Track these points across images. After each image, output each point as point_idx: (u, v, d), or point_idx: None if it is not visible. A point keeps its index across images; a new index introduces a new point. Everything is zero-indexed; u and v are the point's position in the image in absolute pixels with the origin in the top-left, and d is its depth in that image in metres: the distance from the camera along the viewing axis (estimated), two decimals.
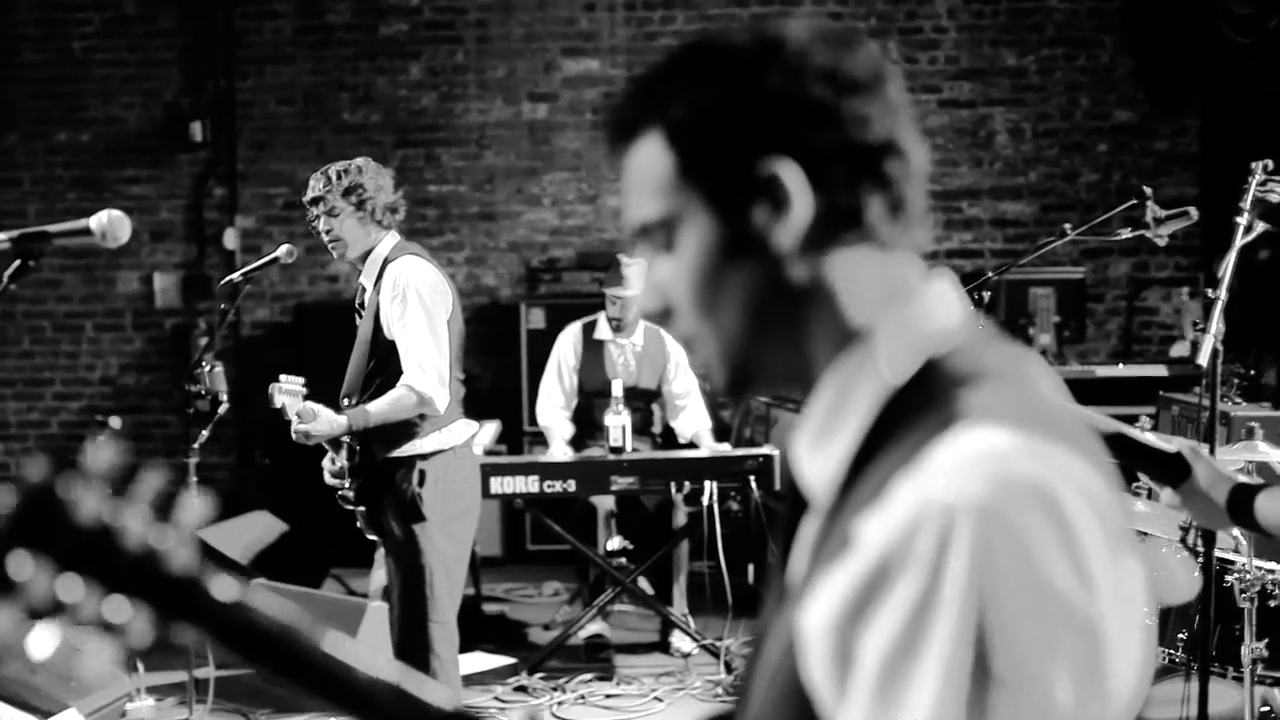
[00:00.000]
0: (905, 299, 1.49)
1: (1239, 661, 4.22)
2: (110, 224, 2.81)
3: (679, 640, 7.37)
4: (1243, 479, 2.87)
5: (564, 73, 9.66)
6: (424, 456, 5.17)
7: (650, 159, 1.51)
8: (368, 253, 5.31)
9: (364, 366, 5.27)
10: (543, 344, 8.28)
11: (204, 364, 6.08)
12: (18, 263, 2.79)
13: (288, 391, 5.11)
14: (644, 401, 7.71)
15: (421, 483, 5.14)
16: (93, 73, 9.78)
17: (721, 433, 8.37)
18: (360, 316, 5.40)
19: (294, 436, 5.08)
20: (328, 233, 5.27)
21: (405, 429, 5.15)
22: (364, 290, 5.37)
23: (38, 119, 9.77)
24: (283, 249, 5.75)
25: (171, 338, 9.74)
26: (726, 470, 7.11)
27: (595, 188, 9.69)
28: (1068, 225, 4.94)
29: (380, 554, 6.26)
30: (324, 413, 5.07)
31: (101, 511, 1.37)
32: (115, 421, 8.48)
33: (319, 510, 7.01)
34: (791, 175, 1.44)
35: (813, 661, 1.36)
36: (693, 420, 7.71)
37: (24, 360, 9.75)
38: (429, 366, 5.10)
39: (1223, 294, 4.11)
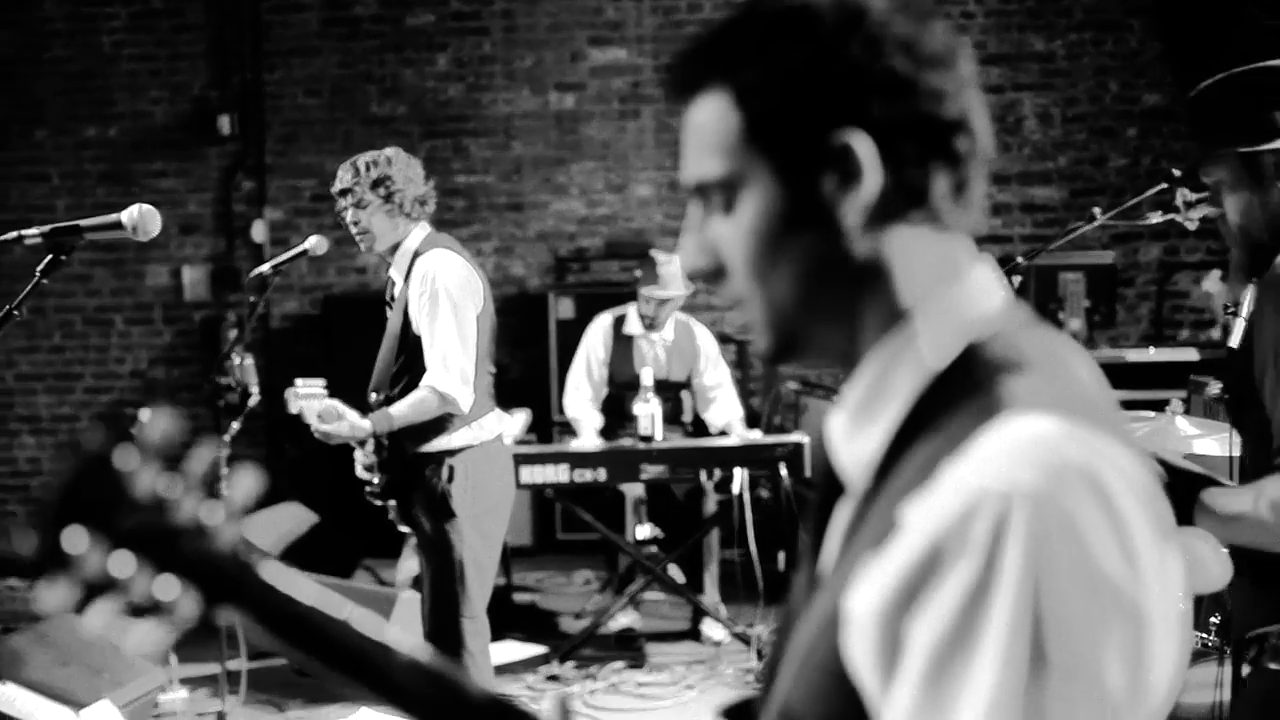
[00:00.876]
0: (951, 282, 1.48)
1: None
2: (141, 218, 2.82)
3: (710, 628, 7.37)
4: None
5: (591, 62, 9.65)
6: (454, 452, 5.16)
7: (715, 117, 1.49)
8: (397, 245, 5.29)
9: (392, 361, 5.26)
10: (571, 334, 8.27)
11: (233, 356, 6.09)
12: (50, 257, 2.80)
13: (305, 395, 5.12)
14: (673, 392, 7.70)
15: (451, 478, 5.13)
16: (120, 67, 9.80)
17: (752, 420, 8.36)
18: (390, 309, 5.39)
19: (315, 436, 5.09)
20: (355, 224, 5.25)
21: (435, 425, 5.13)
22: (393, 283, 5.36)
23: (66, 114, 9.81)
24: (311, 240, 5.74)
25: (201, 331, 9.77)
26: (757, 458, 7.10)
27: (623, 177, 9.67)
28: (1097, 210, 4.91)
29: (410, 544, 6.26)
30: (349, 415, 5.06)
31: (156, 487, 1.36)
32: (146, 415, 8.51)
33: (349, 501, 7.02)
34: (864, 148, 1.42)
35: (857, 647, 1.35)
36: (724, 411, 7.70)
37: (55, 355, 9.79)
38: (452, 366, 5.08)
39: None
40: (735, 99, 1.46)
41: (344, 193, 5.25)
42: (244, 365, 6.14)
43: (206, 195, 9.76)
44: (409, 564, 6.79)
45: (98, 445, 1.34)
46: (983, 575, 1.26)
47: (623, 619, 7.37)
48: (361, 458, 5.30)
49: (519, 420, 8.00)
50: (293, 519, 8.07)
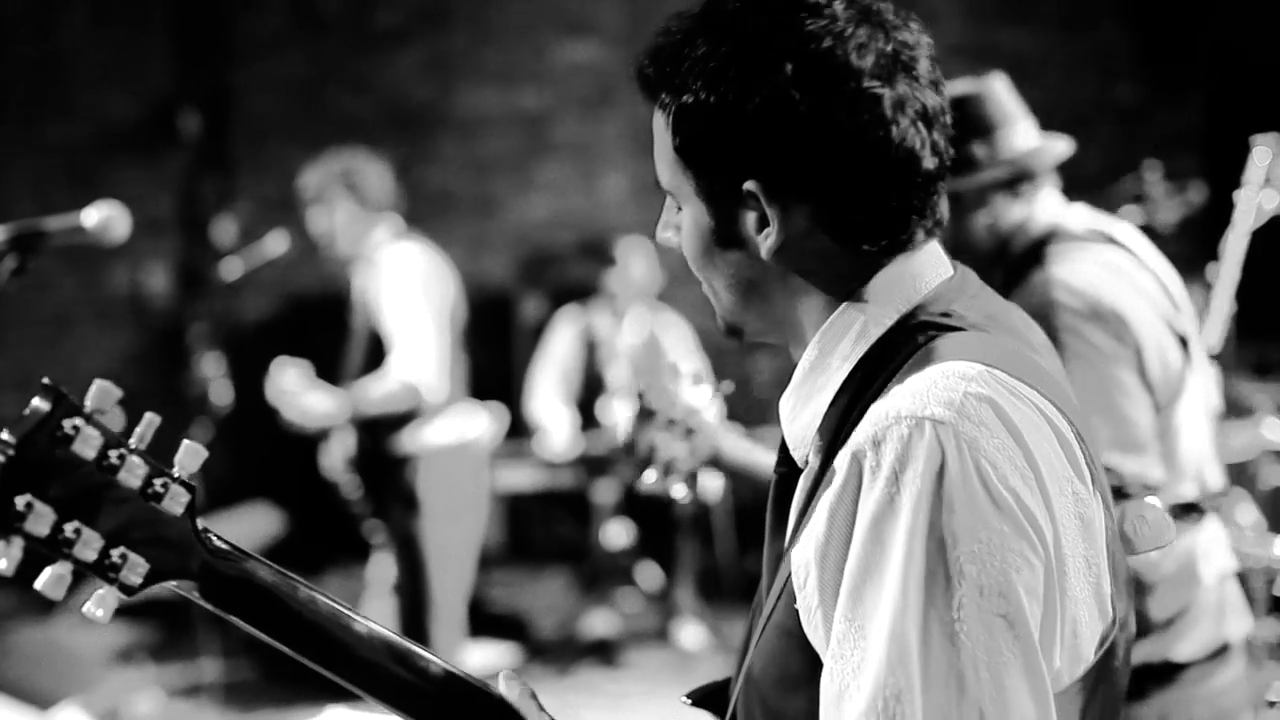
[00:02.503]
0: (891, 269, 1.52)
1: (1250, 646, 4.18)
2: (107, 221, 2.75)
3: (683, 631, 7.33)
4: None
5: (560, 58, 9.59)
6: (426, 452, 5.11)
7: (660, 129, 1.56)
8: (364, 244, 5.25)
9: (364, 359, 5.21)
10: (541, 333, 8.23)
11: (199, 357, 6.03)
12: (15, 261, 2.73)
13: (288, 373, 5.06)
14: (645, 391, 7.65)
15: (424, 480, 5.08)
16: (83, 65, 9.70)
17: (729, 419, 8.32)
18: (356, 309, 5.34)
19: (287, 417, 5.02)
20: (323, 224, 5.22)
21: (405, 421, 5.08)
22: (359, 285, 5.32)
23: (27, 112, 9.70)
24: (278, 240, 5.70)
25: (166, 331, 9.68)
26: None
27: (593, 175, 9.62)
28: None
29: (378, 541, 6.20)
30: (323, 391, 5.00)
31: (104, 457, 1.38)
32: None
33: (317, 502, 6.96)
34: (768, 203, 1.48)
35: (805, 594, 1.38)
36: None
37: (13, 356, 9.68)
38: (422, 357, 5.03)
39: (1232, 273, 4.07)
40: (671, 122, 1.52)
41: (310, 192, 5.22)
42: (210, 366, 6.07)
43: (171, 195, 9.66)
44: (378, 565, 6.71)
45: (45, 412, 1.35)
46: (888, 495, 1.31)
47: (598, 625, 7.32)
48: (333, 456, 5.25)
49: (489, 419, 7.93)
50: (261, 521, 8.01)
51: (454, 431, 5.19)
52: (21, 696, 5.27)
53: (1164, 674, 2.76)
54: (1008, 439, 1.33)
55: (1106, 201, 5.80)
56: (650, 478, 2.75)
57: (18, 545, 1.32)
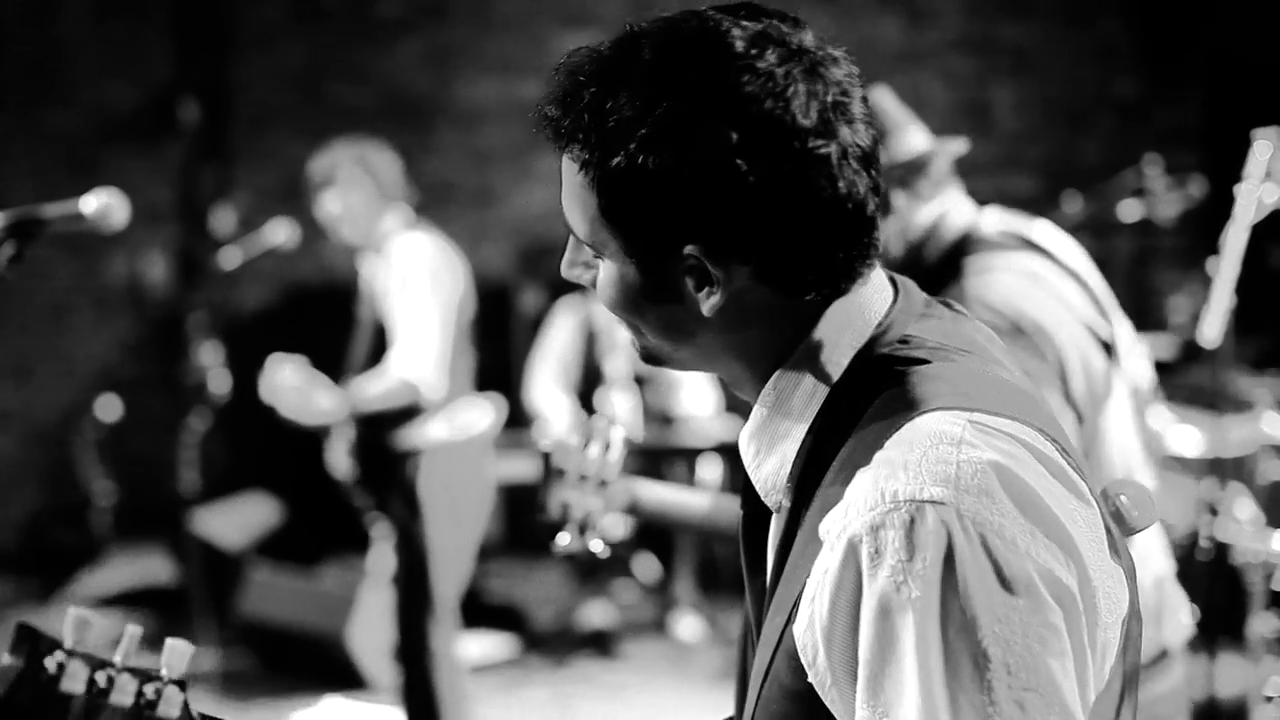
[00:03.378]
0: (837, 306, 1.48)
1: (1247, 641, 4.18)
2: (106, 208, 2.74)
3: (681, 623, 7.33)
4: None
5: (560, 49, 9.54)
6: (429, 448, 5.07)
7: (579, 185, 1.49)
8: (373, 232, 5.20)
9: (369, 351, 5.17)
10: (539, 324, 8.22)
11: (198, 346, 6.02)
12: (14, 249, 2.72)
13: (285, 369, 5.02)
14: (642, 381, 7.64)
15: (425, 476, 5.04)
16: (83, 54, 9.68)
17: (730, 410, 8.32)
18: (363, 299, 5.31)
19: (283, 413, 4.99)
20: (332, 211, 5.17)
21: (408, 416, 5.04)
22: (367, 275, 5.28)
23: (26, 100, 9.68)
24: (280, 230, 5.67)
25: (164, 320, 9.66)
26: (728, 449, 7.06)
27: None
28: (1068, 195, 4.89)
29: (378, 533, 6.19)
30: (321, 388, 4.96)
31: (93, 684, 1.36)
32: (110, 405, 8.42)
33: (316, 492, 6.96)
34: (712, 267, 1.43)
35: (815, 670, 1.36)
36: (693, 400, 7.64)
37: (10, 345, 9.66)
38: (423, 353, 4.97)
39: (1232, 267, 4.05)
40: (594, 184, 1.46)
41: (320, 178, 5.17)
42: (208, 355, 6.06)
43: (170, 183, 9.64)
44: (378, 555, 6.71)
45: (20, 665, 1.34)
46: (894, 585, 1.28)
47: (595, 616, 7.31)
48: (335, 450, 5.23)
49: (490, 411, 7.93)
50: (259, 512, 8.00)
51: (457, 427, 5.15)
52: None
53: None
54: (1009, 504, 1.30)
55: (1107, 195, 5.80)
56: (564, 540, 2.79)
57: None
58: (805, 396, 1.48)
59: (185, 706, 1.42)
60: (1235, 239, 4.04)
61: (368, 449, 5.15)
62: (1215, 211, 4.80)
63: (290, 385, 4.93)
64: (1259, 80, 8.18)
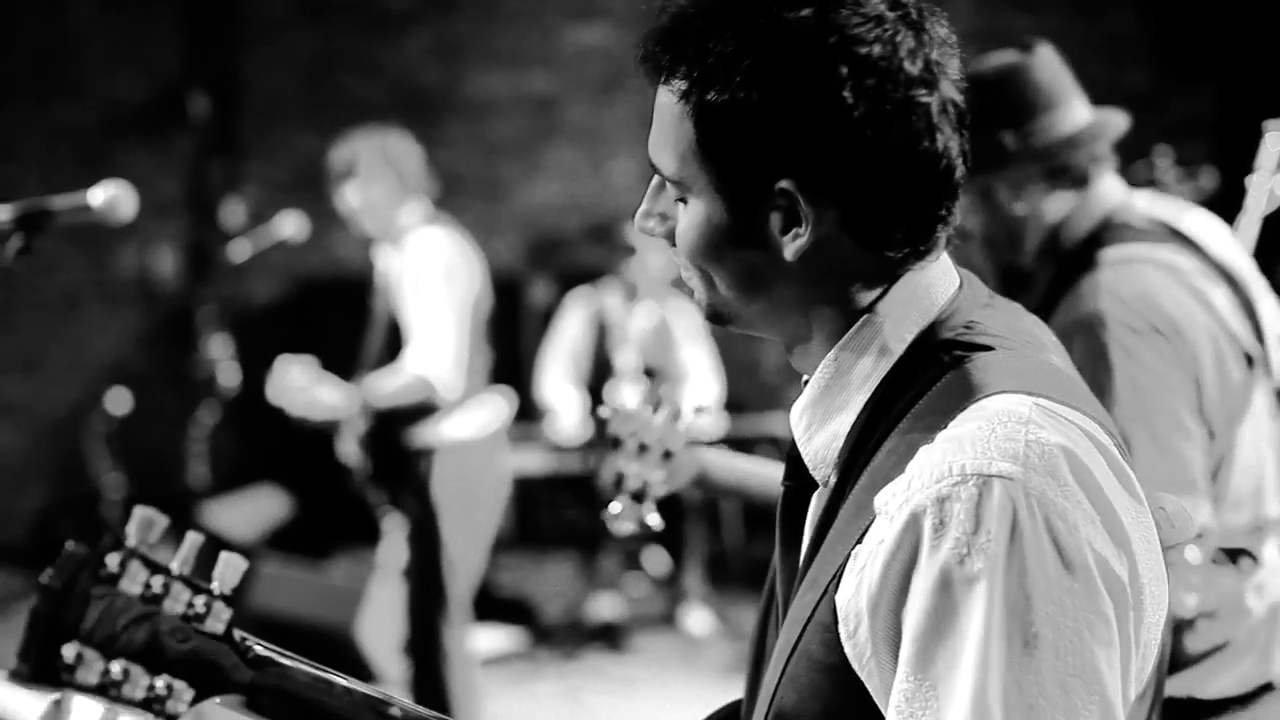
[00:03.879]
0: (906, 280, 1.48)
1: None
2: (113, 200, 2.73)
3: (691, 617, 7.33)
4: None
5: (569, 42, 9.56)
6: (443, 446, 5.03)
7: (675, 117, 1.48)
8: (393, 225, 5.15)
9: (383, 346, 5.13)
10: (549, 317, 8.21)
11: (207, 339, 6.01)
12: (21, 241, 2.71)
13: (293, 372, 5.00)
14: (652, 375, 7.63)
15: (439, 474, 5.00)
16: (91, 46, 9.67)
17: (736, 405, 8.31)
18: (378, 293, 5.27)
19: (294, 411, 4.97)
20: (353, 204, 5.12)
21: (421, 416, 5.00)
22: (385, 264, 5.23)
23: (36, 94, 9.68)
24: (289, 223, 5.65)
25: (174, 314, 9.66)
26: (737, 442, 7.04)
27: (602, 159, 9.60)
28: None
29: (388, 526, 6.18)
30: (329, 386, 4.94)
31: (148, 587, 1.37)
32: (120, 398, 8.42)
33: (326, 485, 6.96)
34: (807, 204, 1.42)
35: (855, 641, 1.35)
36: (700, 392, 7.63)
37: (22, 337, 9.67)
38: (439, 351, 4.92)
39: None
40: (693, 114, 1.45)
41: (343, 168, 5.12)
42: (218, 348, 6.05)
43: (180, 176, 9.64)
44: (388, 547, 6.70)
45: (85, 553, 1.34)
46: (958, 557, 1.28)
47: (605, 610, 7.31)
48: (348, 446, 5.21)
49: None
50: (269, 505, 8.00)
51: (472, 425, 5.11)
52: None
53: (1186, 713, 2.52)
54: (1075, 486, 1.31)
55: None
56: (616, 509, 2.58)
57: (70, 699, 1.34)
58: (865, 371, 1.47)
59: (230, 623, 1.43)
60: (1247, 231, 4.02)
61: (380, 445, 5.12)
62: (1226, 203, 4.77)
63: (298, 386, 4.91)
64: (1270, 71, 8.16)
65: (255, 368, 6.72)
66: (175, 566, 1.40)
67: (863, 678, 1.36)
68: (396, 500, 5.22)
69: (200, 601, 1.40)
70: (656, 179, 1.56)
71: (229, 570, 1.43)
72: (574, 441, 7.24)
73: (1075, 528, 1.29)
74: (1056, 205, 2.71)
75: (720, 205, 1.47)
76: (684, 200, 1.51)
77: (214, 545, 1.48)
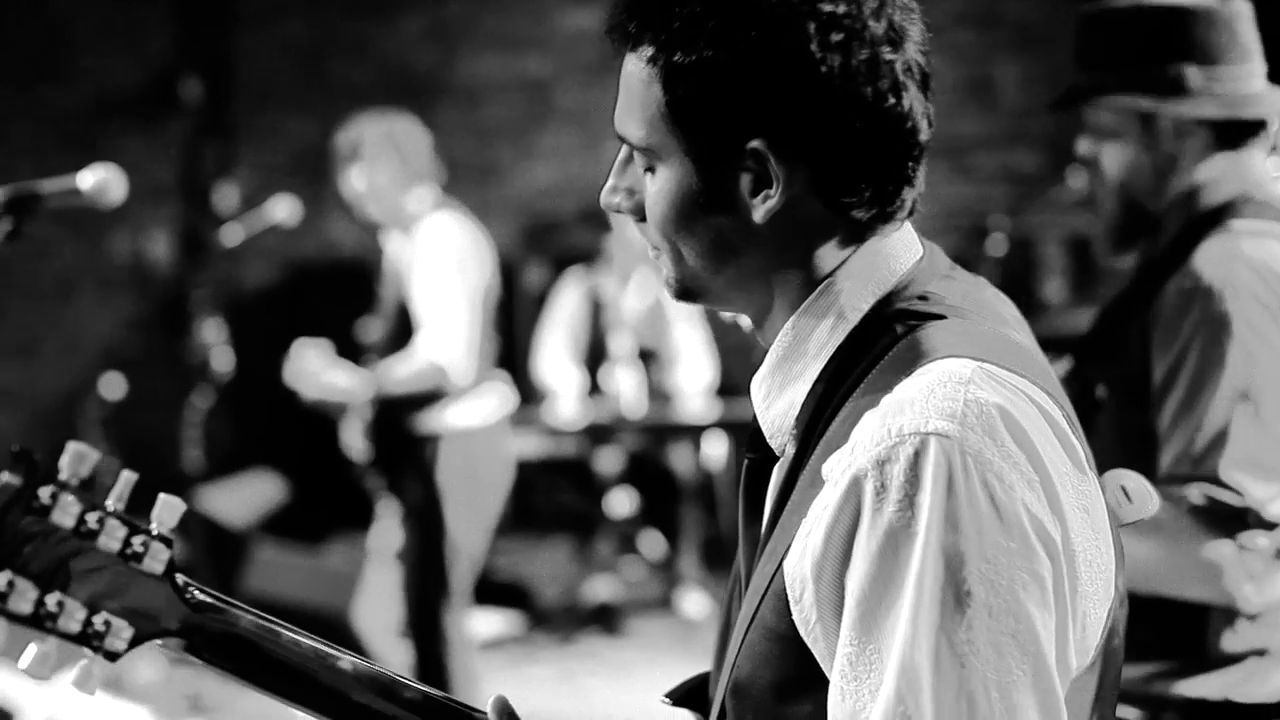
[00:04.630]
0: (864, 246, 1.48)
1: None
2: (103, 184, 2.71)
3: (687, 600, 7.33)
4: None
5: (563, 25, 9.53)
6: (449, 434, 5.02)
7: (642, 82, 1.49)
8: (400, 211, 5.12)
9: (393, 332, 5.11)
10: (543, 301, 8.20)
11: (201, 324, 6.00)
12: (11, 225, 2.69)
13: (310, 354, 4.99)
14: (647, 357, 7.62)
15: (444, 461, 4.98)
16: (83, 30, 9.65)
17: (729, 389, 8.31)
18: (387, 279, 5.25)
19: (308, 394, 4.96)
20: (357, 188, 5.09)
21: (428, 402, 4.98)
22: (394, 250, 5.20)
23: (27, 78, 9.64)
24: (282, 207, 5.63)
25: (168, 298, 9.64)
26: (732, 425, 7.05)
27: (596, 142, 9.58)
28: (1073, 170, 4.84)
29: (383, 509, 6.16)
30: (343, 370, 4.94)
31: (82, 523, 1.36)
32: (114, 383, 8.42)
33: (319, 469, 6.94)
34: (777, 163, 1.42)
35: (801, 607, 1.36)
36: (688, 374, 7.62)
37: (16, 323, 9.65)
38: (451, 337, 4.89)
39: None
40: (662, 76, 1.46)
41: (348, 152, 5.09)
42: (211, 333, 6.04)
43: (172, 161, 9.62)
44: (382, 531, 6.68)
45: (18, 485, 1.32)
46: (903, 519, 1.28)
47: (601, 593, 7.31)
48: (351, 432, 5.20)
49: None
50: (264, 490, 8.00)
51: (478, 413, 5.10)
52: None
53: (1221, 715, 2.43)
54: (1012, 445, 1.31)
55: None
56: None
57: (1, 627, 1.31)
58: (821, 339, 1.48)
59: (170, 564, 1.41)
60: None
61: (384, 431, 5.10)
62: None
63: (312, 369, 4.90)
64: (1267, 51, 8.13)
65: (249, 352, 6.71)
66: (110, 503, 1.38)
67: (809, 644, 1.36)
68: (396, 486, 5.21)
69: (138, 540, 1.38)
70: (623, 152, 1.57)
71: (166, 511, 1.42)
72: (573, 424, 7.22)
73: (1011, 487, 1.29)
74: (1209, 162, 2.59)
75: (690, 170, 1.47)
76: (652, 170, 1.51)
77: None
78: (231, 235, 5.96)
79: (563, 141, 9.60)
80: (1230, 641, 2.43)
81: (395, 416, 5.04)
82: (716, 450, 7.34)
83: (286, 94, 9.61)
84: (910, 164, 1.46)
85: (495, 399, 5.21)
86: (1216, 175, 2.57)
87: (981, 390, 1.33)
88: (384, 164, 5.02)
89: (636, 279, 7.50)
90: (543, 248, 9.28)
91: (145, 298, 9.71)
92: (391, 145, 5.03)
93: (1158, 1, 2.63)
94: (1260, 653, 2.44)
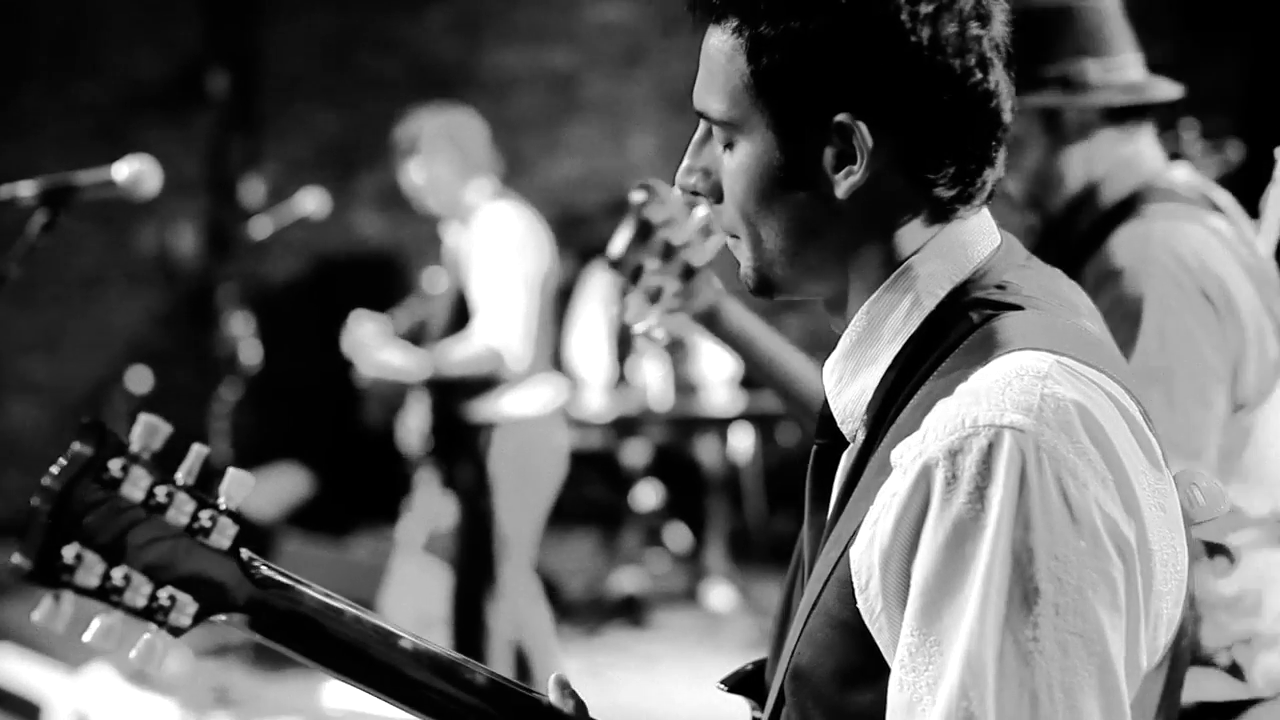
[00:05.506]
0: (946, 233, 1.47)
1: None
2: (138, 175, 2.72)
3: (713, 593, 7.32)
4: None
5: (589, 17, 9.52)
6: (505, 421, 5.02)
7: (726, 55, 1.46)
8: (458, 203, 5.14)
9: (450, 320, 5.12)
10: (570, 294, 8.19)
11: (228, 317, 6.01)
12: (46, 217, 2.70)
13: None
14: (673, 350, 7.61)
15: (499, 451, 4.98)
16: (111, 24, 9.66)
17: (754, 381, 8.30)
18: (447, 269, 5.26)
19: (365, 369, 4.97)
20: (416, 181, 5.13)
21: (484, 389, 4.98)
22: (453, 240, 5.22)
23: (55, 71, 9.67)
24: (310, 200, 5.64)
25: (194, 292, 9.66)
26: (759, 418, 7.04)
27: (622, 135, 9.57)
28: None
29: (417, 501, 6.17)
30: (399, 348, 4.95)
31: (151, 496, 1.35)
32: (141, 376, 8.43)
33: (346, 462, 6.95)
34: (865, 134, 1.40)
35: (866, 595, 1.34)
36: (717, 367, 7.61)
37: (43, 316, 9.67)
38: (509, 322, 4.91)
39: (1274, 231, 4.00)
40: (747, 47, 1.44)
41: (408, 145, 5.12)
42: (239, 326, 6.05)
43: (199, 154, 9.63)
44: (413, 521, 6.69)
45: (89, 455, 1.31)
46: (973, 511, 1.26)
47: (626, 586, 7.31)
48: (409, 419, 5.20)
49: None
50: (290, 483, 8.01)
51: (533, 402, 5.09)
52: (51, 656, 5.28)
53: (1195, 716, 2.35)
54: (1088, 443, 1.29)
55: None
56: (634, 305, 2.36)
57: (69, 601, 1.29)
58: (896, 324, 1.46)
59: (236, 539, 1.41)
60: (1277, 203, 3.99)
61: (442, 419, 5.10)
62: (1252, 176, 4.74)
63: (369, 343, 4.93)
64: (1267, 51, 8.11)
65: (276, 345, 6.72)
66: (180, 477, 1.37)
67: (873, 633, 1.35)
68: (451, 477, 5.20)
69: (206, 515, 1.38)
70: (700, 131, 1.54)
71: (235, 486, 1.41)
72: (599, 416, 7.22)
73: (1085, 485, 1.27)
74: (1110, 154, 2.63)
75: (772, 143, 1.45)
76: (731, 146, 1.49)
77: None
78: (261, 228, 5.98)
79: (589, 134, 9.60)
80: (1205, 638, 2.38)
81: (451, 403, 5.04)
82: (743, 443, 7.33)
83: (313, 87, 9.62)
84: (993, 143, 1.45)
85: (550, 389, 5.22)
86: (1116, 166, 2.61)
87: (1059, 385, 1.31)
88: (442, 157, 5.07)
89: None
90: (569, 240, 9.25)
91: (172, 291, 9.72)
92: (449, 138, 5.08)
93: (1042, 3, 2.64)
94: (1236, 645, 2.41)
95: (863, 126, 1.39)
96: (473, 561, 5.05)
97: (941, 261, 1.46)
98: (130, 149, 6.46)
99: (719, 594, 7.29)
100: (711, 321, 2.41)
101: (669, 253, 2.37)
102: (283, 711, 5.79)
